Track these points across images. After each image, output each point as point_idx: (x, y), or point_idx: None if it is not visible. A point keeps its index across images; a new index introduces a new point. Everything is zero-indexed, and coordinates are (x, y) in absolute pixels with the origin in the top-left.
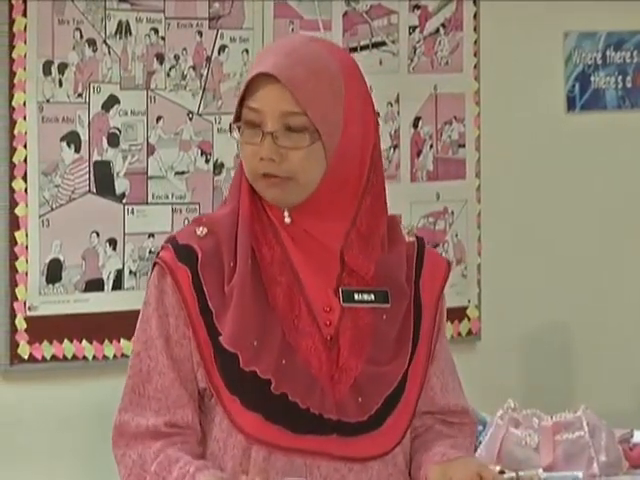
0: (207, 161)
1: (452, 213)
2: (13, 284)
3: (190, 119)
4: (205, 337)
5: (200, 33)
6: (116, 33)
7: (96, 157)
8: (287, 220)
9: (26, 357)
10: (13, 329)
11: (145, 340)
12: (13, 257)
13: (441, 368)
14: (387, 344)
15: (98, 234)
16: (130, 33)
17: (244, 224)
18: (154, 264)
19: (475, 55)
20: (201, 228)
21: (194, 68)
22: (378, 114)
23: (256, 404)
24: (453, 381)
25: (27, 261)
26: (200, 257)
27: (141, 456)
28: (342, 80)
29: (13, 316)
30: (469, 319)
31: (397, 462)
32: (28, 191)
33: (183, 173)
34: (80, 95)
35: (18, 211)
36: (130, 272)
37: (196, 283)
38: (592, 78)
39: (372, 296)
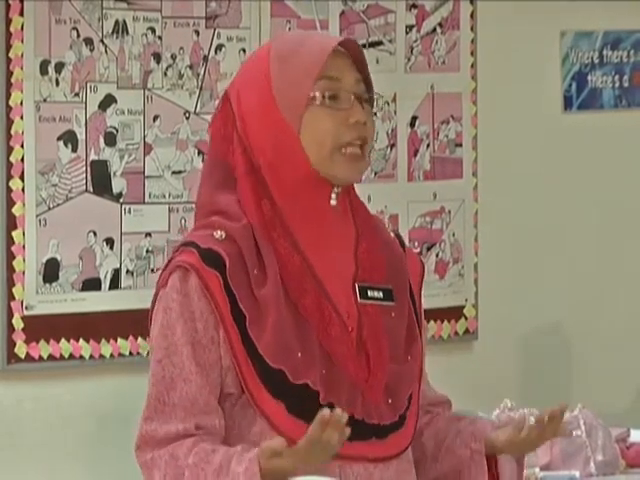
0: (204, 160)
1: (449, 212)
2: (10, 283)
3: (187, 118)
4: (239, 343)
5: (197, 32)
6: (113, 32)
7: (93, 156)
8: (333, 202)
9: (23, 356)
10: (10, 328)
11: (167, 347)
12: (10, 256)
13: (424, 362)
14: (400, 342)
15: (95, 233)
16: (127, 32)
17: (261, 233)
18: (172, 268)
19: (472, 54)
20: (219, 232)
21: (191, 67)
22: (375, 113)
23: (303, 413)
24: (427, 376)
25: (24, 260)
26: (227, 261)
27: (173, 455)
28: None
29: (10, 315)
30: (466, 318)
31: (409, 457)
32: (25, 190)
33: (180, 172)
34: (77, 94)
35: (15, 210)
36: (127, 271)
37: (227, 287)
38: (589, 77)
39: (380, 293)
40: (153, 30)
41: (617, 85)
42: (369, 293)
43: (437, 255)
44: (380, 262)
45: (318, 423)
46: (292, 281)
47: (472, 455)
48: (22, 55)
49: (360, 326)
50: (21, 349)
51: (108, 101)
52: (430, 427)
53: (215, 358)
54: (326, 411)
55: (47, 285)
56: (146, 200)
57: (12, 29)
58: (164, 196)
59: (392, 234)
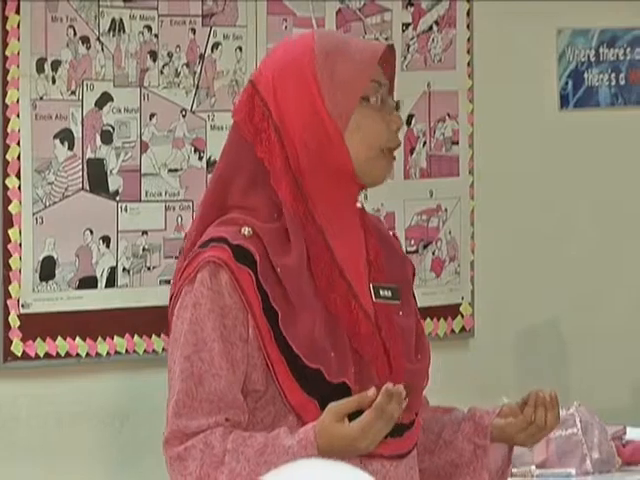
0: (200, 158)
1: (445, 210)
2: (6, 281)
3: (183, 116)
4: (272, 341)
5: (193, 30)
6: (109, 30)
7: (89, 154)
8: (359, 204)
9: (19, 354)
10: (6, 326)
11: (195, 342)
12: (6, 254)
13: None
14: (411, 341)
15: (91, 231)
16: (123, 30)
17: (295, 227)
18: (198, 263)
19: (468, 52)
20: (246, 228)
21: (187, 65)
22: None
23: None
24: None
25: (20, 258)
26: (258, 259)
27: (207, 443)
28: None
29: (6, 313)
30: (462, 316)
31: (415, 454)
32: (21, 188)
33: (176, 170)
34: (73, 92)
35: (11, 208)
36: (123, 269)
37: (259, 284)
38: (585, 75)
39: (389, 292)
40: (149, 28)
41: (613, 83)
42: (381, 292)
43: (433, 253)
44: (387, 261)
45: (385, 394)
46: (323, 277)
47: (475, 450)
48: (18, 53)
49: (379, 326)
50: (17, 347)
51: (104, 99)
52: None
53: (242, 355)
54: (389, 384)
55: (43, 283)
56: (142, 198)
57: (8, 27)
58: (160, 194)
59: (390, 233)
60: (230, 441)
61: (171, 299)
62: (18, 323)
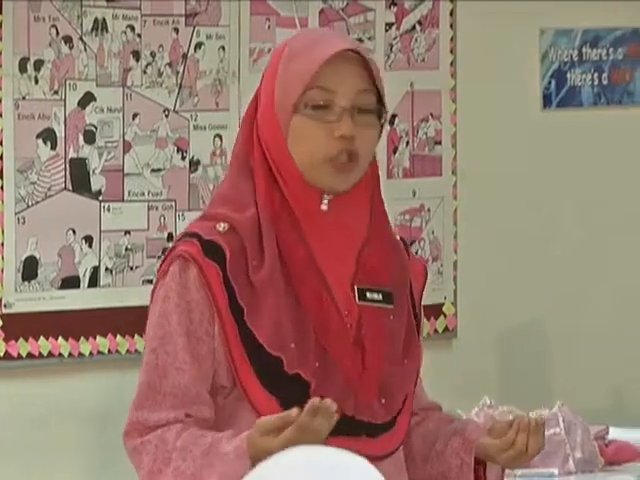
0: (183, 158)
1: (428, 210)
2: None
3: (166, 116)
4: (235, 336)
5: (176, 30)
6: (92, 30)
7: (72, 154)
8: (324, 207)
9: (1, 354)
10: None
11: (162, 336)
12: None
13: (420, 367)
14: (399, 344)
15: (74, 231)
16: (106, 30)
17: (267, 224)
18: (172, 257)
19: (451, 52)
20: (222, 224)
21: (170, 65)
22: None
23: (295, 406)
24: (422, 381)
25: (3, 258)
26: (228, 254)
27: (162, 439)
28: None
29: None
30: (445, 316)
31: (400, 458)
32: (4, 188)
33: (159, 170)
34: (56, 92)
35: None
36: (106, 269)
37: (226, 280)
38: (568, 75)
39: (380, 295)
40: (132, 28)
41: (596, 83)
42: (368, 295)
43: (416, 253)
44: (385, 265)
45: (309, 410)
46: (295, 269)
47: (462, 465)
48: (0, 53)
49: (359, 324)
50: (0, 347)
51: (87, 99)
52: (420, 427)
53: (208, 350)
54: (316, 399)
55: (26, 283)
56: (125, 198)
57: None
58: (143, 194)
59: (397, 237)
60: (181, 439)
61: (151, 293)
62: (0, 323)
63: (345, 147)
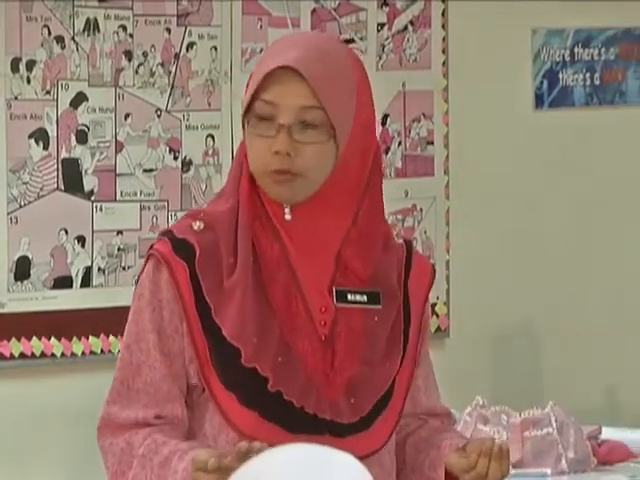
0: (175, 158)
1: (421, 210)
2: None
3: (158, 116)
4: (200, 333)
5: (168, 30)
6: (84, 30)
7: (64, 154)
8: (287, 217)
9: None
10: None
11: (136, 332)
12: None
13: (425, 372)
14: (379, 346)
15: (67, 231)
16: (98, 30)
17: (244, 221)
18: (148, 256)
19: (443, 52)
20: (198, 223)
21: (162, 65)
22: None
23: (253, 401)
24: (434, 385)
25: None
26: (198, 252)
27: (129, 443)
28: (355, 81)
29: None
30: (437, 316)
31: (383, 462)
32: None
33: (151, 170)
34: (48, 92)
35: None
36: (99, 269)
37: (193, 278)
38: (560, 75)
39: (364, 297)
40: (124, 28)
41: (588, 83)
42: (349, 297)
43: None
44: (369, 267)
45: (236, 457)
46: (267, 266)
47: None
48: None
49: (334, 323)
50: None
51: (79, 99)
52: (414, 435)
53: (179, 348)
54: (243, 444)
55: (18, 283)
56: (117, 198)
57: None
58: (135, 194)
59: (400, 240)
60: (144, 446)
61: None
62: None
63: (279, 164)
